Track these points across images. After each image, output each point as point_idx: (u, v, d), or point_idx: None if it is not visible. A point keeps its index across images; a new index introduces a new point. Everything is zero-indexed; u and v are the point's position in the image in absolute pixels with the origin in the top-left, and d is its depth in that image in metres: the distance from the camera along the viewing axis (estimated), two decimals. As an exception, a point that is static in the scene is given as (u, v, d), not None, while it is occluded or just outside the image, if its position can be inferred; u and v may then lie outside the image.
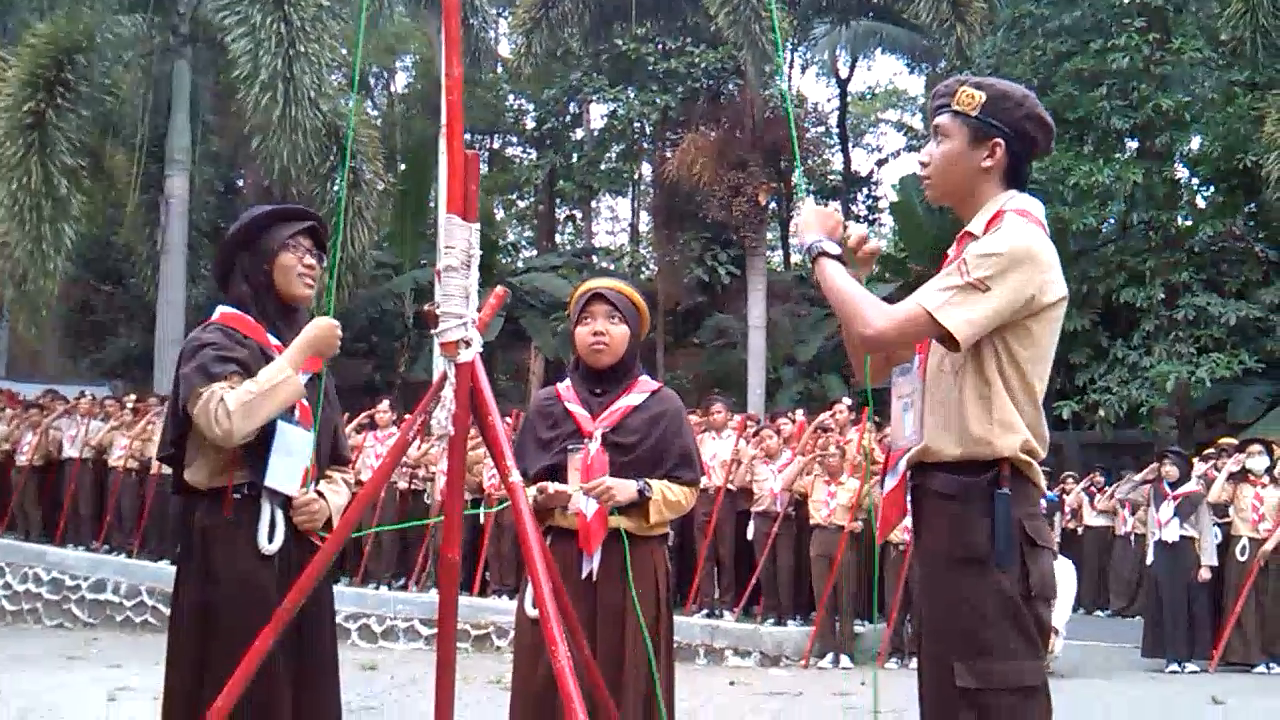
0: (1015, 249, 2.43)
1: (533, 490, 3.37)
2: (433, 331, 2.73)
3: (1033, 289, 2.43)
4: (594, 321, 3.55)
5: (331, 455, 3.28)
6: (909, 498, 2.68)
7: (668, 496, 3.49)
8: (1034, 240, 2.47)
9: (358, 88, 24.62)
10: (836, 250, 2.57)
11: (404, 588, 11.22)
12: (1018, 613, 2.43)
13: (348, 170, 16.30)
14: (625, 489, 3.40)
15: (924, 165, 2.68)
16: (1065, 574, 9.52)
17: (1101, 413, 16.39)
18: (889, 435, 2.79)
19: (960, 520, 2.48)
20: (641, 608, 3.38)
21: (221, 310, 3.17)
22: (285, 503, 3.05)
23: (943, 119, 2.63)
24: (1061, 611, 9.36)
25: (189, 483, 3.07)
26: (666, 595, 3.56)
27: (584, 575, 3.42)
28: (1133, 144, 18.50)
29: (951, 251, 2.63)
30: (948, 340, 2.43)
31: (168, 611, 11.22)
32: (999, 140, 2.58)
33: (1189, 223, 18.21)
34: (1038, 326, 2.50)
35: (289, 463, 3.04)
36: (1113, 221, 18.54)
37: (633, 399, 3.58)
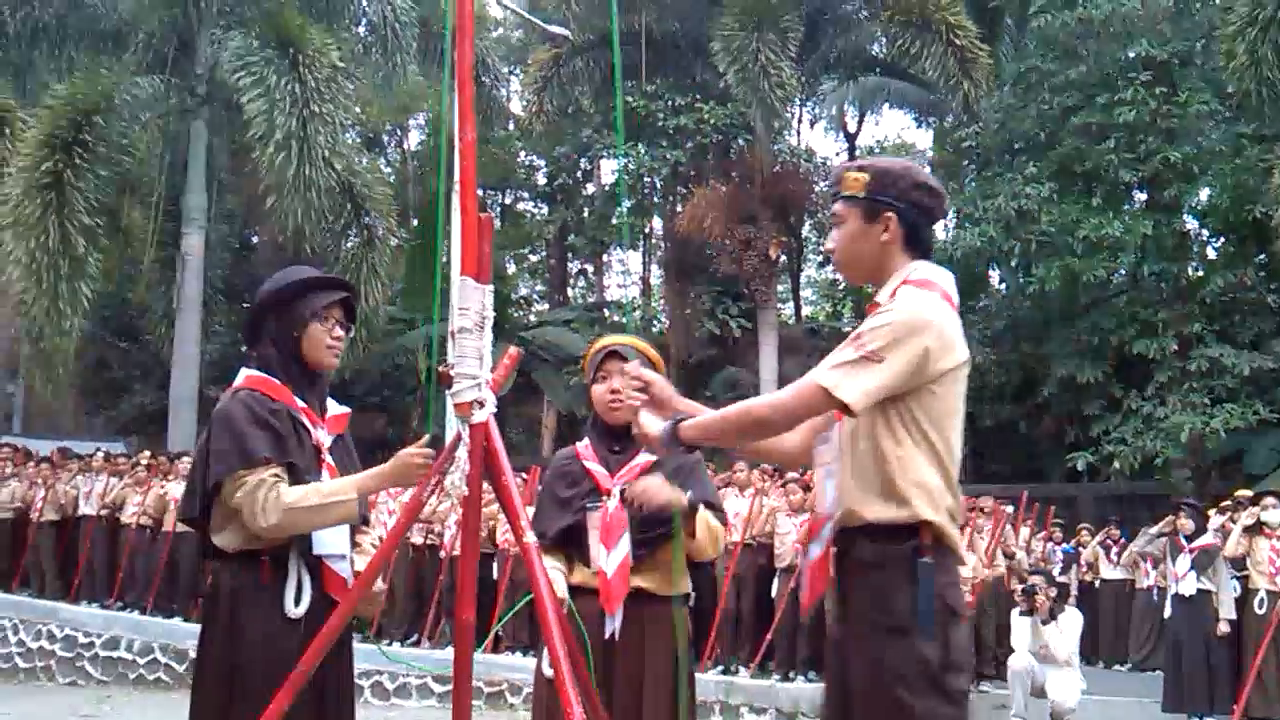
0: (906, 320, 2.53)
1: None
2: (447, 392, 2.76)
3: (925, 356, 2.52)
4: (610, 380, 3.56)
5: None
6: (836, 563, 2.71)
7: (710, 522, 3.47)
8: (926, 309, 2.57)
9: (370, 145, 24.91)
10: (679, 417, 2.71)
11: (416, 644, 11.18)
12: (939, 681, 2.48)
13: (360, 227, 16.47)
14: (670, 492, 3.29)
15: (831, 252, 2.80)
16: (1072, 624, 9.47)
17: (1116, 464, 16.31)
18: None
19: (883, 588, 2.53)
20: (660, 672, 3.34)
21: (246, 374, 3.18)
22: (315, 566, 3.06)
23: (836, 206, 2.76)
24: (1072, 663, 9.29)
25: (217, 545, 3.08)
26: (688, 659, 3.50)
27: (606, 636, 3.39)
28: (1142, 196, 18.59)
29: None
30: (846, 409, 2.52)
31: (181, 669, 11.12)
32: (890, 213, 2.68)
33: (1200, 274, 18.22)
34: (940, 390, 2.58)
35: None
36: (1123, 273, 18.55)
37: (652, 455, 3.55)
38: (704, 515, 3.46)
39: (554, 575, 3.37)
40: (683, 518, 3.38)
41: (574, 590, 3.47)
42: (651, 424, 2.77)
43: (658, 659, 3.37)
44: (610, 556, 3.36)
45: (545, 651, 3.34)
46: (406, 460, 2.96)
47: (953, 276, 2.73)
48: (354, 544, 3.23)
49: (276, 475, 2.98)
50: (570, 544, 3.43)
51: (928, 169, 30.55)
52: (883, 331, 2.51)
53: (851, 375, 2.49)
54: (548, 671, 3.32)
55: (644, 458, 3.57)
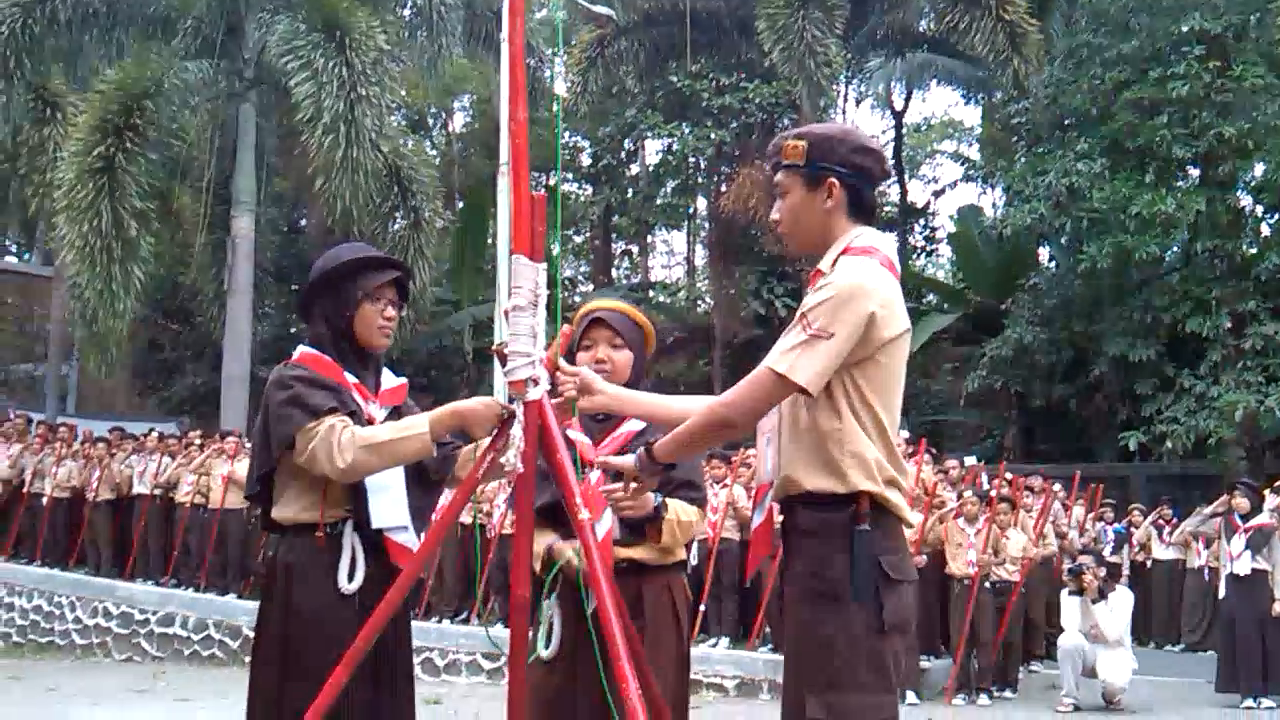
0: (845, 288, 2.51)
1: (538, 548, 3.25)
2: (502, 370, 2.78)
3: (871, 322, 2.51)
4: (596, 348, 3.42)
5: (419, 476, 3.21)
6: (781, 532, 2.74)
7: (680, 516, 3.30)
8: (866, 276, 2.55)
9: (415, 128, 24.98)
10: (649, 440, 2.76)
11: (466, 621, 11.27)
12: (870, 647, 2.50)
13: (407, 209, 16.56)
14: (643, 504, 3.15)
15: (777, 223, 2.78)
16: (1123, 604, 9.41)
17: (1169, 444, 16.11)
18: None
19: (819, 556, 2.55)
20: (654, 647, 3.18)
21: (301, 350, 3.18)
22: (374, 541, 3.05)
23: (779, 176, 2.73)
24: (1123, 643, 9.22)
25: (275, 519, 3.09)
26: (684, 631, 3.40)
27: (588, 611, 3.13)
28: (1195, 172, 18.27)
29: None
30: (802, 392, 2.51)
31: (235, 645, 11.27)
32: (832, 180, 2.66)
33: (1254, 251, 17.92)
34: (885, 359, 2.57)
35: (387, 498, 3.06)
36: (1176, 250, 18.29)
37: (636, 424, 3.39)
38: (672, 512, 3.27)
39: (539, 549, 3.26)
40: (649, 523, 3.25)
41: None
42: (622, 458, 2.80)
43: (657, 629, 3.26)
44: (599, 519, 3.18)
45: (541, 630, 3.25)
46: (487, 405, 2.94)
47: (894, 242, 2.71)
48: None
49: (344, 421, 2.97)
50: (559, 520, 3.19)
51: (975, 147, 30.29)
52: (826, 306, 2.50)
53: (803, 357, 2.49)
54: (544, 652, 3.23)
55: (629, 426, 3.40)
